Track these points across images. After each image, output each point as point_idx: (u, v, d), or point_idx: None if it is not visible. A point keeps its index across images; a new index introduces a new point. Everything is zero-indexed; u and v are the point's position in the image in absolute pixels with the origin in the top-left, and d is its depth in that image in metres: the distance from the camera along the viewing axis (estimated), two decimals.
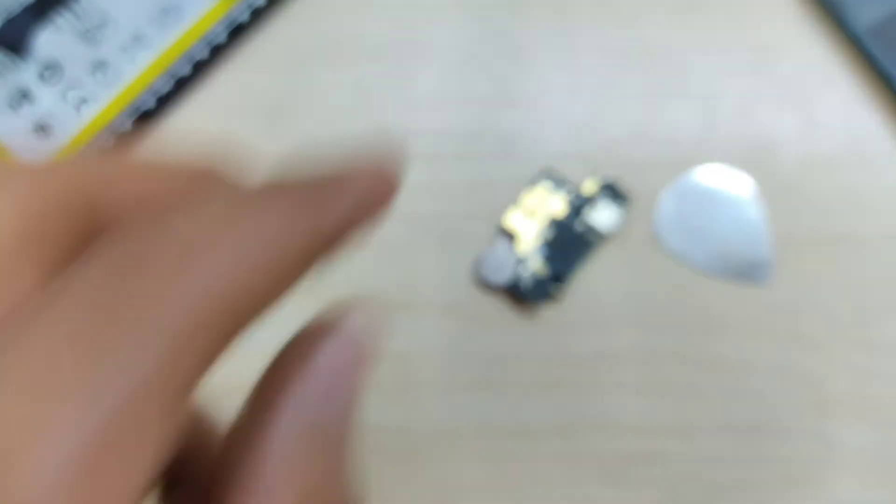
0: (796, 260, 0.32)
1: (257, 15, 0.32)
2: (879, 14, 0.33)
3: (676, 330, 0.31)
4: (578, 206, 0.32)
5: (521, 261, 0.31)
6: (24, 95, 0.27)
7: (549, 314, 0.31)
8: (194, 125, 0.33)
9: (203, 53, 0.30)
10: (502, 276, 0.31)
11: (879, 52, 0.33)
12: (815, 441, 0.30)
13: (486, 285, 0.32)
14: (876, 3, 0.33)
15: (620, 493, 0.30)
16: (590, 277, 0.32)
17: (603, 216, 0.32)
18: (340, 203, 0.13)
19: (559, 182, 0.32)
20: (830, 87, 0.34)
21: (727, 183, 0.33)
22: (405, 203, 0.32)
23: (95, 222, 0.12)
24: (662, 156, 0.33)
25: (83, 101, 0.28)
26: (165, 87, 0.30)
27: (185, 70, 0.30)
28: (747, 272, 0.32)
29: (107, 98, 0.28)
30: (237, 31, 0.32)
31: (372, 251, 0.32)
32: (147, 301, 0.10)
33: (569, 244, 0.31)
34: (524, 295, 0.31)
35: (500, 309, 0.32)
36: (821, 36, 0.35)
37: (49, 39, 0.26)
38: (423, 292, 0.32)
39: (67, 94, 0.27)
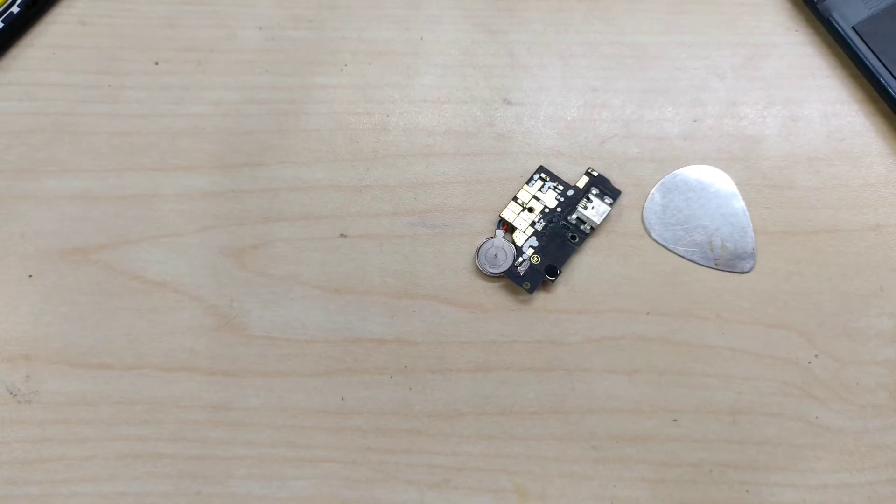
0: (780, 250, 0.32)
1: None
2: (865, 13, 0.34)
3: (664, 317, 0.32)
4: (571, 199, 0.33)
5: (517, 252, 0.32)
6: None
7: (543, 302, 0.32)
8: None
9: None
10: (499, 266, 0.32)
11: (865, 50, 0.33)
12: (798, 424, 0.31)
13: (483, 275, 0.32)
14: (861, 4, 0.34)
15: (611, 472, 0.31)
16: (582, 267, 0.33)
17: (594, 209, 0.32)
18: None
19: (553, 177, 0.33)
20: (815, 86, 0.35)
21: (714, 178, 0.33)
22: (407, 198, 0.33)
23: None
24: (652, 152, 0.34)
25: None
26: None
27: None
28: (733, 262, 0.32)
29: None
30: None
31: (375, 242, 0.33)
32: None
33: (562, 236, 0.32)
34: (520, 284, 0.32)
35: (497, 297, 0.32)
36: (806, 35, 0.35)
37: None
38: (424, 281, 0.32)
39: None
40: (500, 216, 0.32)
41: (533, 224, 0.32)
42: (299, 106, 0.34)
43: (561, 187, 0.33)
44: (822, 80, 0.35)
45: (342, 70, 0.35)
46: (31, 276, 0.33)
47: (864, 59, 0.33)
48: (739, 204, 0.33)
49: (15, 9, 0.35)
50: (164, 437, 0.31)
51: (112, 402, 0.31)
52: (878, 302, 0.32)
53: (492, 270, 0.32)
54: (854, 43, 0.33)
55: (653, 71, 0.35)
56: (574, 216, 0.32)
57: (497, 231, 0.32)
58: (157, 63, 0.35)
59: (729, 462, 0.30)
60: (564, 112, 0.34)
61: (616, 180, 0.33)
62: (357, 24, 0.36)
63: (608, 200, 0.32)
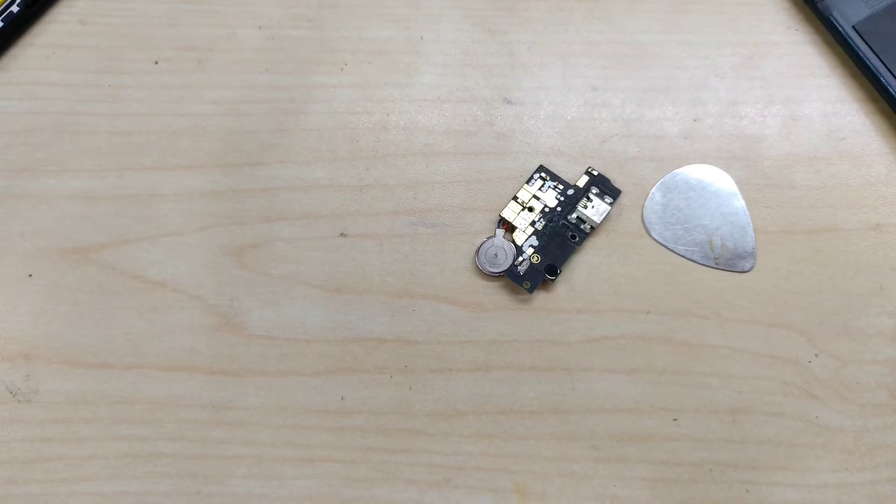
0: (780, 250, 0.32)
1: None
2: (865, 13, 0.34)
3: (664, 316, 0.32)
4: (571, 198, 0.33)
5: (516, 251, 0.32)
6: None
7: (543, 302, 0.32)
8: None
9: None
10: (499, 265, 0.32)
11: (865, 49, 0.33)
12: (798, 424, 0.31)
13: (483, 274, 0.32)
14: (861, 3, 0.34)
15: (611, 471, 0.31)
16: (582, 267, 0.33)
17: (594, 208, 0.32)
18: None
19: (553, 176, 0.33)
20: (815, 85, 0.35)
21: (714, 177, 0.33)
22: (407, 197, 0.33)
23: None
24: (652, 151, 0.34)
25: None
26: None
27: None
28: (733, 262, 0.32)
29: None
30: None
31: (375, 242, 0.33)
32: None
33: (562, 235, 0.32)
34: (520, 283, 0.32)
35: (497, 296, 0.32)
36: (806, 35, 0.35)
37: None
38: (424, 281, 0.32)
39: None
40: (500, 215, 0.33)
41: (533, 223, 0.32)
42: (299, 105, 0.34)
43: (561, 186, 0.33)
44: (822, 79, 0.35)
45: (342, 69, 0.35)
46: (30, 275, 0.33)
47: (865, 59, 0.33)
48: (739, 203, 0.33)
49: (15, 8, 0.35)
50: (163, 436, 0.31)
51: (112, 401, 0.31)
52: (878, 301, 0.32)
53: (492, 270, 0.32)
54: (854, 42, 0.34)
55: (653, 70, 0.35)
56: (574, 215, 0.32)
57: (497, 230, 0.32)
58: (156, 62, 0.35)
59: (729, 461, 0.31)
60: (564, 111, 0.34)
61: (616, 179, 0.33)
62: (357, 23, 0.36)
63: (608, 200, 0.32)
